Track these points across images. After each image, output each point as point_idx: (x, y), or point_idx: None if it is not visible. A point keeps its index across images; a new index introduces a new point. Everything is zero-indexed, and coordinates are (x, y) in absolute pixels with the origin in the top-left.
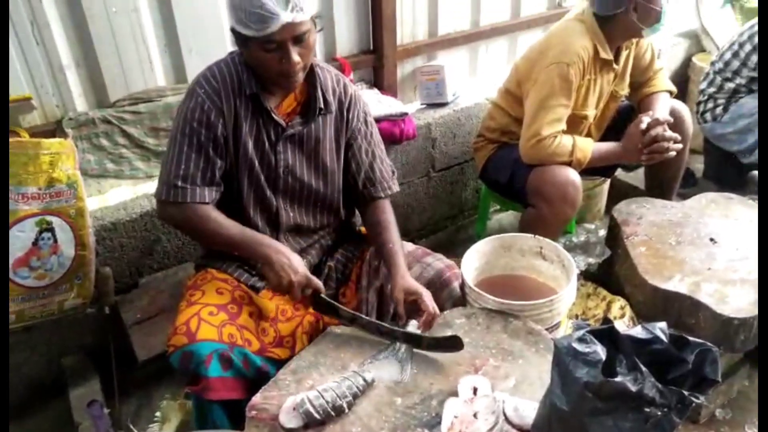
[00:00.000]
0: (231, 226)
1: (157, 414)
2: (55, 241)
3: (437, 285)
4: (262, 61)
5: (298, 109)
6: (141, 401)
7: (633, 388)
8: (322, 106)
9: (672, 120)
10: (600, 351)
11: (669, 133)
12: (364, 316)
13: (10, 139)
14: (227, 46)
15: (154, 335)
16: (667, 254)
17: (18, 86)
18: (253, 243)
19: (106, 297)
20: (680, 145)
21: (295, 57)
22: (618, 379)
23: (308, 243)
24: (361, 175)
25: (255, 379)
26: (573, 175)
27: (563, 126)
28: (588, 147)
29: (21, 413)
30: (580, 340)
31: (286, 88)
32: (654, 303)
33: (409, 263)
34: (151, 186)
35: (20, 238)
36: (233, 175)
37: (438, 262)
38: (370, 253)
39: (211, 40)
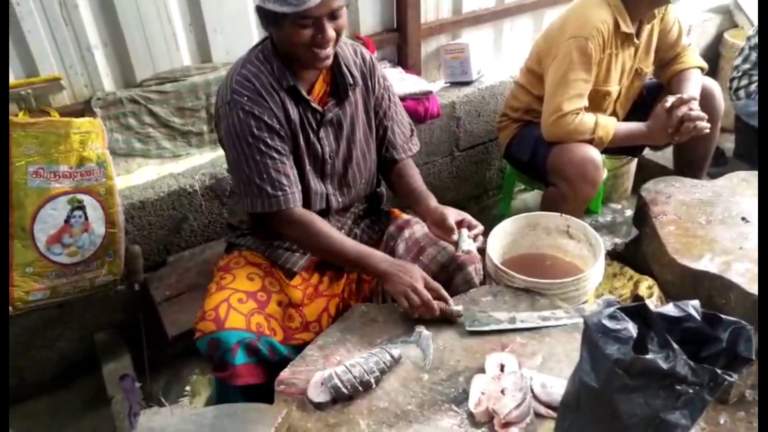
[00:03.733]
0: (339, 239)
1: (187, 388)
2: (86, 218)
3: (451, 269)
4: (296, 39)
5: (328, 91)
6: (170, 376)
7: (664, 366)
8: (351, 81)
9: (697, 98)
10: (631, 328)
11: (696, 111)
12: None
13: (42, 119)
14: (251, 25)
15: (183, 312)
16: (696, 233)
17: (48, 67)
18: (364, 259)
19: (135, 274)
20: (709, 124)
21: (331, 32)
22: (649, 356)
23: (350, 217)
24: (385, 141)
25: (278, 363)
26: (593, 153)
27: (585, 102)
28: (611, 125)
29: (55, 387)
30: (611, 317)
31: (317, 68)
32: (683, 283)
33: (425, 245)
34: (177, 165)
35: (53, 216)
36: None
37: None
38: (389, 233)
39: (234, 20)
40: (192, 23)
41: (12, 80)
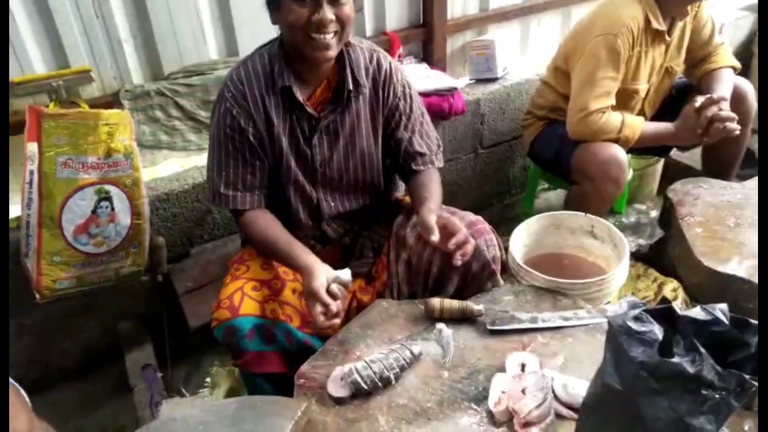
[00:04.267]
0: (272, 237)
1: (207, 380)
2: (113, 209)
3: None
4: (293, 19)
5: (330, 96)
6: (192, 367)
7: (691, 370)
8: (351, 87)
9: (727, 99)
10: (657, 330)
11: (726, 112)
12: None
13: (72, 110)
14: None
15: (205, 304)
16: (725, 236)
17: (78, 58)
18: (289, 260)
19: (159, 266)
20: (739, 126)
21: (329, 14)
22: (675, 359)
23: (350, 224)
24: (401, 151)
25: (298, 353)
26: (618, 152)
27: (612, 101)
28: (638, 125)
29: (79, 375)
30: (636, 318)
31: (316, 59)
32: (710, 286)
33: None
34: (203, 158)
35: (81, 206)
36: (273, 172)
37: (461, 220)
38: (397, 223)
39: (261, 14)
40: (220, 17)
41: (43, 72)
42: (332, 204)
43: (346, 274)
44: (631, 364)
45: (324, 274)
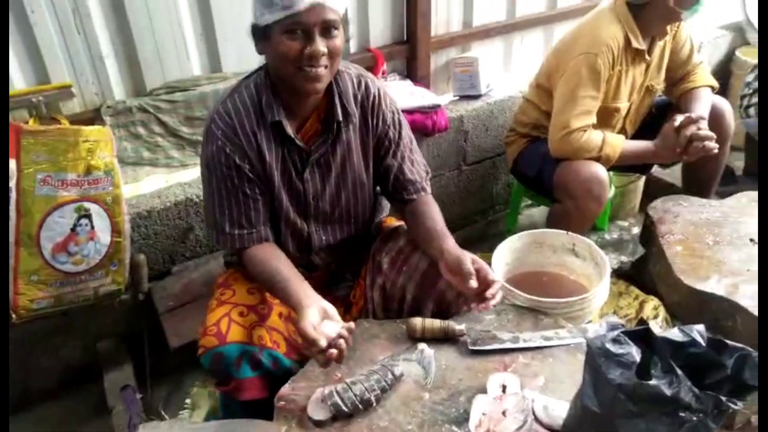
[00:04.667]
0: (268, 273)
1: (188, 401)
2: (92, 227)
3: (433, 274)
4: (284, 51)
5: (320, 127)
6: (172, 387)
7: (668, 392)
8: (341, 118)
9: (705, 118)
10: (634, 353)
11: (705, 131)
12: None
13: (52, 126)
14: None
15: (186, 323)
16: (704, 254)
17: (59, 74)
18: (285, 299)
19: (140, 284)
20: (717, 145)
21: (321, 47)
22: (653, 382)
23: (338, 252)
24: (390, 180)
25: (284, 377)
26: (599, 170)
27: (593, 119)
28: (618, 143)
29: (57, 395)
30: (614, 340)
31: (308, 91)
32: (689, 304)
33: (408, 254)
34: (185, 174)
35: (60, 224)
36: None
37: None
38: (374, 247)
39: (245, 30)
40: (203, 33)
41: (23, 87)
42: (323, 237)
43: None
44: (609, 386)
45: (312, 312)
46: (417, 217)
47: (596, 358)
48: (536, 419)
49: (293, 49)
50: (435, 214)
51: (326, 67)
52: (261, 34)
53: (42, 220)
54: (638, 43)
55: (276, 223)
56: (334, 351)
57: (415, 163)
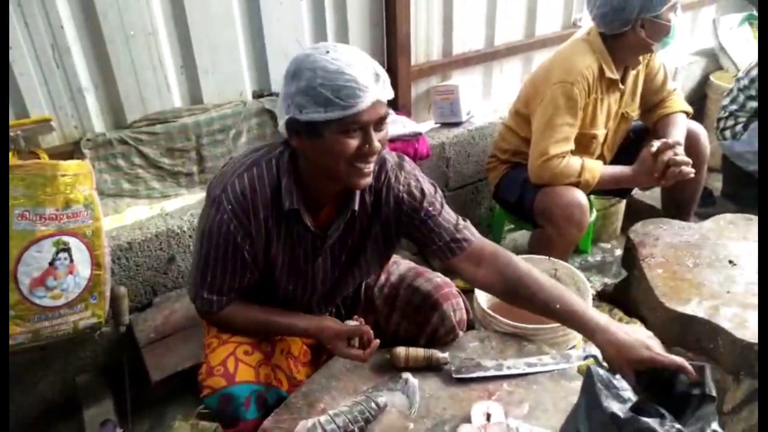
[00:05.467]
0: (263, 320)
1: None
2: (72, 261)
3: (426, 309)
4: (340, 149)
5: (335, 214)
6: (153, 421)
7: (660, 429)
8: (356, 207)
9: (681, 143)
10: (631, 394)
11: (681, 156)
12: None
13: (29, 161)
14: (243, 67)
15: (168, 355)
16: (684, 277)
17: (38, 108)
18: (292, 330)
19: (120, 316)
20: (693, 170)
21: (377, 143)
22: (647, 419)
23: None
24: (427, 249)
25: None
26: (579, 196)
27: (571, 146)
28: (597, 169)
29: (35, 431)
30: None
31: (358, 186)
32: (671, 326)
33: (398, 288)
34: (167, 205)
35: (37, 259)
36: (262, 281)
37: (427, 283)
38: (366, 283)
39: (226, 62)
40: (184, 65)
41: None
42: (323, 306)
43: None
44: (603, 414)
45: (327, 319)
46: (523, 282)
47: (596, 384)
48: None
49: (351, 147)
50: (534, 277)
51: (375, 162)
52: (304, 129)
53: (19, 255)
54: (612, 73)
55: (272, 297)
56: (369, 352)
57: (446, 224)
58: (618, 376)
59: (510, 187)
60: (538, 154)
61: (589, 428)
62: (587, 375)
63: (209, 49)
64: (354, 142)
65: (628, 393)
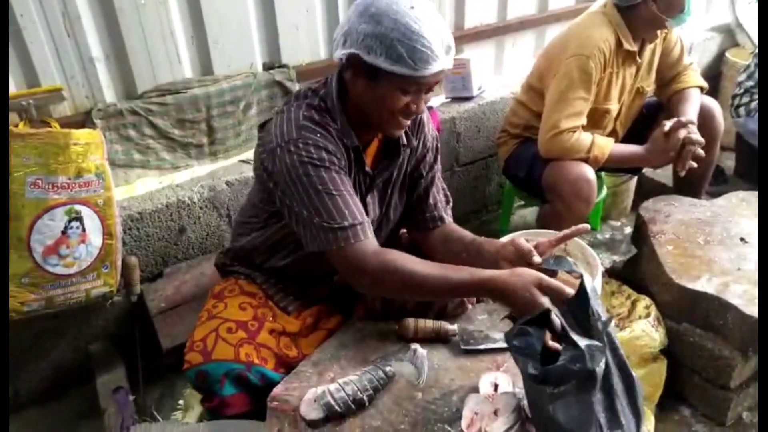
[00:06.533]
0: (432, 274)
1: (180, 402)
2: (84, 230)
3: None
4: (391, 102)
5: (379, 152)
6: (164, 389)
7: (574, 367)
8: (405, 142)
9: (695, 121)
10: (535, 342)
11: (695, 135)
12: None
13: (42, 129)
14: (253, 39)
15: (178, 324)
16: (695, 254)
17: (49, 77)
18: (482, 284)
19: (132, 286)
20: (703, 152)
21: (423, 105)
22: (558, 363)
23: None
24: (414, 205)
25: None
26: (587, 171)
27: (583, 121)
28: (607, 146)
29: (49, 398)
30: (519, 334)
31: (392, 135)
32: (681, 303)
33: None
34: (177, 176)
35: (50, 227)
36: None
37: None
38: None
39: (236, 33)
40: (194, 36)
41: (13, 91)
42: None
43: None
44: (528, 380)
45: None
46: (454, 233)
47: (515, 356)
48: (527, 418)
49: (401, 103)
50: (464, 232)
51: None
52: (363, 69)
53: (32, 223)
54: (629, 45)
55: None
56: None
57: (440, 192)
58: (523, 333)
59: (519, 162)
60: (549, 126)
61: (533, 398)
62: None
63: (220, 19)
64: (405, 99)
65: (532, 346)
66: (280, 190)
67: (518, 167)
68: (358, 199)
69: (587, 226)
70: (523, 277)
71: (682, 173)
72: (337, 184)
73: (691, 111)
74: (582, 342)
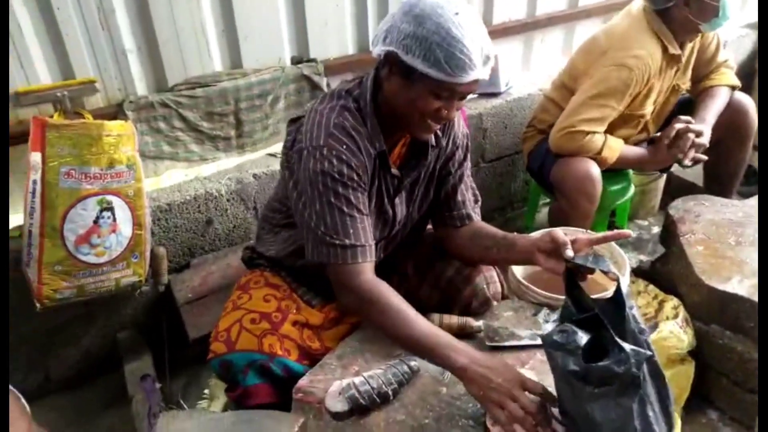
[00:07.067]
0: (407, 320)
1: (206, 391)
2: (114, 220)
3: (458, 283)
4: (423, 105)
5: (406, 152)
6: (190, 378)
7: (619, 370)
8: (434, 143)
9: (709, 122)
10: (579, 338)
11: (701, 139)
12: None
13: (76, 121)
14: (282, 33)
15: (204, 315)
16: (725, 254)
17: (83, 69)
18: (437, 349)
19: (160, 276)
20: (705, 157)
21: (454, 112)
22: (601, 363)
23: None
24: (442, 203)
25: (294, 381)
26: (593, 168)
27: (603, 128)
28: (617, 148)
29: (77, 384)
30: (561, 331)
31: (421, 138)
32: (710, 304)
33: (433, 261)
34: (205, 168)
35: (83, 216)
36: None
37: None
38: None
39: (266, 27)
40: (225, 30)
41: (49, 82)
42: (381, 255)
43: None
44: (566, 375)
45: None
46: (483, 230)
47: (551, 352)
48: (553, 415)
49: (432, 107)
50: (493, 229)
51: None
52: (399, 68)
53: (66, 212)
54: (674, 49)
55: None
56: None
57: (471, 188)
58: (566, 331)
59: (536, 157)
60: (566, 125)
61: (570, 395)
62: (545, 345)
63: (250, 13)
64: (437, 104)
65: (575, 342)
66: (297, 191)
67: (535, 162)
68: (387, 201)
69: (629, 231)
70: (499, 376)
71: (687, 163)
72: (350, 201)
73: (710, 110)
74: (627, 346)
